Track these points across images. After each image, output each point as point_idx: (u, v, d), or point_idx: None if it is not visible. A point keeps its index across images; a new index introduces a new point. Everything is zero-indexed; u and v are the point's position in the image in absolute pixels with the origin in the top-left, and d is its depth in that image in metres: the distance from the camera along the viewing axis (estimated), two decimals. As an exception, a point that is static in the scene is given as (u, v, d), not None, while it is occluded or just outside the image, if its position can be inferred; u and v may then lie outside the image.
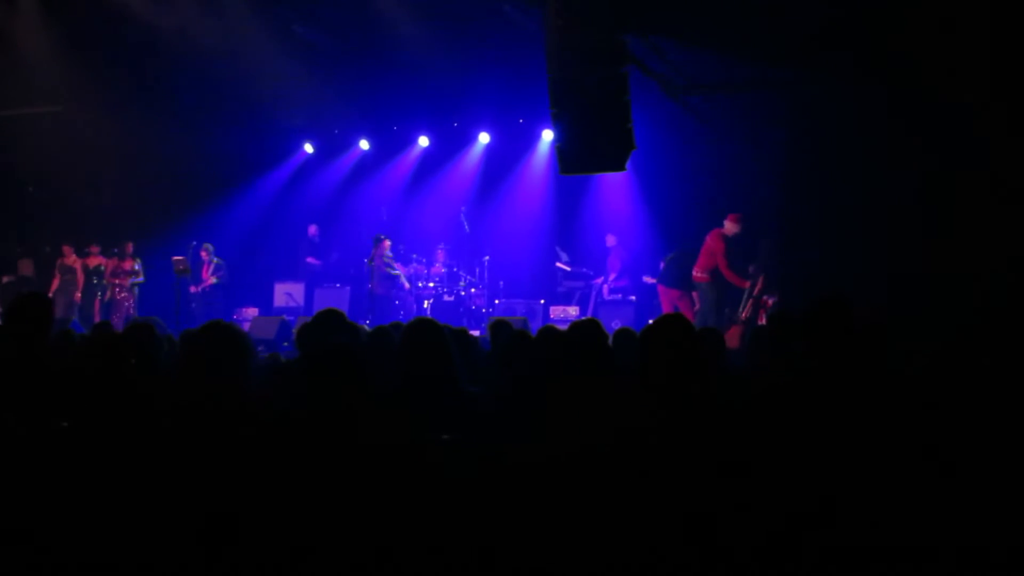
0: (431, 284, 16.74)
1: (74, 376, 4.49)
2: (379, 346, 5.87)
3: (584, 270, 16.50)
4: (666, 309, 14.00)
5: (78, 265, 16.47)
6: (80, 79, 14.82)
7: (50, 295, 16.19)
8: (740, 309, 13.19)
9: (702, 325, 13.23)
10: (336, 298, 17.13)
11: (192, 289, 16.15)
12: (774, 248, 13.43)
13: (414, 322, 4.95)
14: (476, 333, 12.42)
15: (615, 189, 16.28)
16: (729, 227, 13.36)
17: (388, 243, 16.35)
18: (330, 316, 5.85)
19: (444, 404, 4.48)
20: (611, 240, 16.17)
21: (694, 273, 13.55)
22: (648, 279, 15.40)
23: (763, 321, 12.94)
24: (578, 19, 11.10)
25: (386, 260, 16.28)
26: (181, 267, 15.45)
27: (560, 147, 11.62)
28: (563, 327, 10.71)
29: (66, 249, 16.46)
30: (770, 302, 13.16)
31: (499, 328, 7.95)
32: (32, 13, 13.35)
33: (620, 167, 11.66)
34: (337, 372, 4.02)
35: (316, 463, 3.72)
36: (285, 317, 15.19)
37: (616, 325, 14.50)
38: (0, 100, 15.87)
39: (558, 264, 16.64)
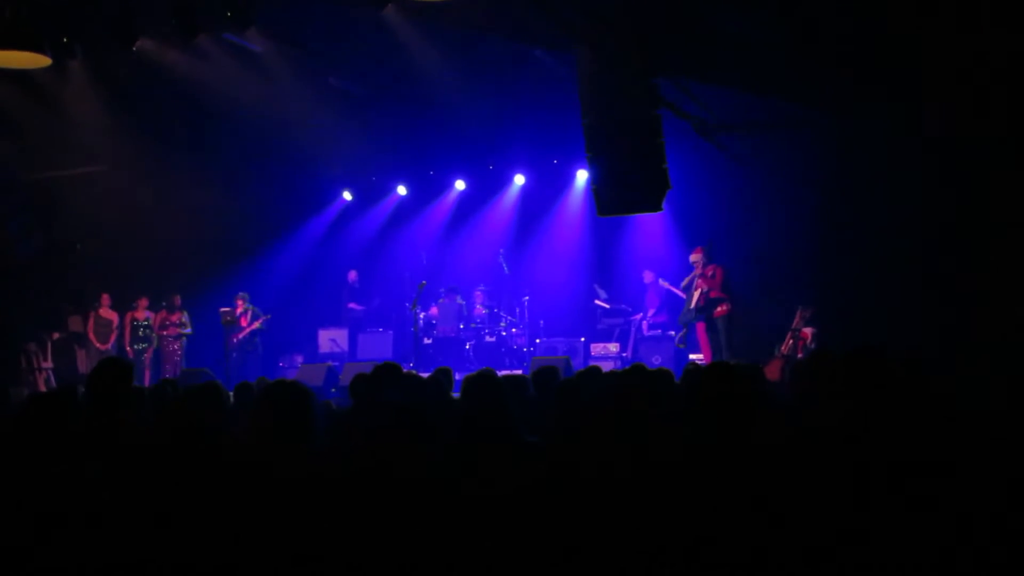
0: (472, 325, 17.00)
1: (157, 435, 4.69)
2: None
3: (623, 306, 16.65)
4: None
5: (114, 316, 16.83)
6: (124, 139, 15.23)
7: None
8: (780, 343, 13.33)
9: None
10: (380, 342, 17.44)
11: (234, 339, 16.41)
12: (812, 282, 13.59)
13: (474, 377, 5.13)
14: (519, 372, 12.66)
15: (651, 226, 16.46)
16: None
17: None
18: (388, 370, 6.06)
19: (504, 454, 4.65)
20: (648, 276, 16.32)
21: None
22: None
23: (801, 354, 13.10)
24: (609, 63, 11.33)
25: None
26: (228, 318, 15.76)
27: (597, 189, 11.80)
28: (606, 365, 10.97)
29: (103, 299, 16.84)
30: (808, 335, 13.30)
31: (546, 375, 8.02)
32: (81, 78, 13.75)
33: (657, 207, 11.84)
34: (399, 431, 4.20)
35: (383, 517, 3.90)
36: (331, 364, 15.44)
37: (657, 361, 14.84)
38: (49, 162, 16.33)
39: (596, 302, 16.80)
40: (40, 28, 10.35)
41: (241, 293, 16.85)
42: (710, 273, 13.99)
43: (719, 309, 13.88)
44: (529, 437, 4.91)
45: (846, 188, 13.06)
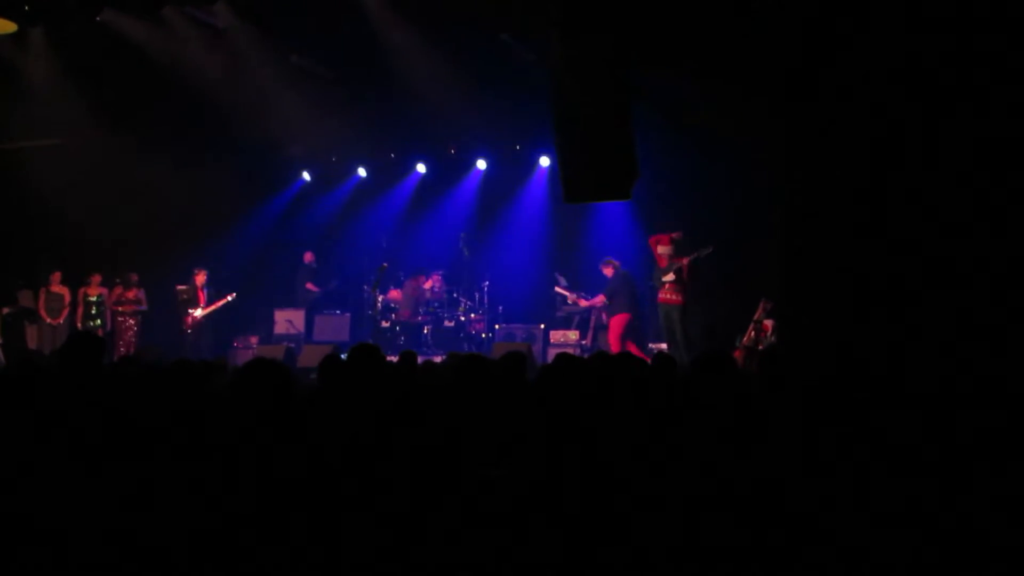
0: (431, 309, 16.91)
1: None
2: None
3: (582, 294, 16.60)
4: None
5: (65, 292, 16.53)
6: (83, 111, 14.92)
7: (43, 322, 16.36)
8: (742, 335, 13.35)
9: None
10: (337, 324, 17.30)
11: (193, 313, 16.19)
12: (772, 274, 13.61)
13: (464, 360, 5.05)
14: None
15: (613, 214, 16.43)
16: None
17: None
18: (367, 353, 5.94)
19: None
20: (608, 270, 16.24)
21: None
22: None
23: (761, 347, 13.14)
24: (581, 49, 11.26)
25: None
26: (184, 296, 15.51)
27: (565, 175, 11.72)
28: (569, 351, 10.91)
29: (54, 275, 16.53)
30: (769, 327, 13.33)
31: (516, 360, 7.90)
32: (41, 47, 13.44)
33: (625, 195, 11.74)
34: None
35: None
36: (290, 345, 15.29)
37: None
38: (5, 133, 15.97)
39: (557, 289, 16.73)
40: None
41: (200, 269, 16.59)
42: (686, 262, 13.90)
43: (681, 297, 13.85)
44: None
45: (811, 179, 13.06)
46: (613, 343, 14.96)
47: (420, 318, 16.82)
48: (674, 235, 14.09)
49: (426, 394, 6.06)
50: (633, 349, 14.31)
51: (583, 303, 16.03)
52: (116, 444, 4.25)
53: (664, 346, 14.34)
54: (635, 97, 11.88)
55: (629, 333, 14.93)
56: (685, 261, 13.78)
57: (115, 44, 13.01)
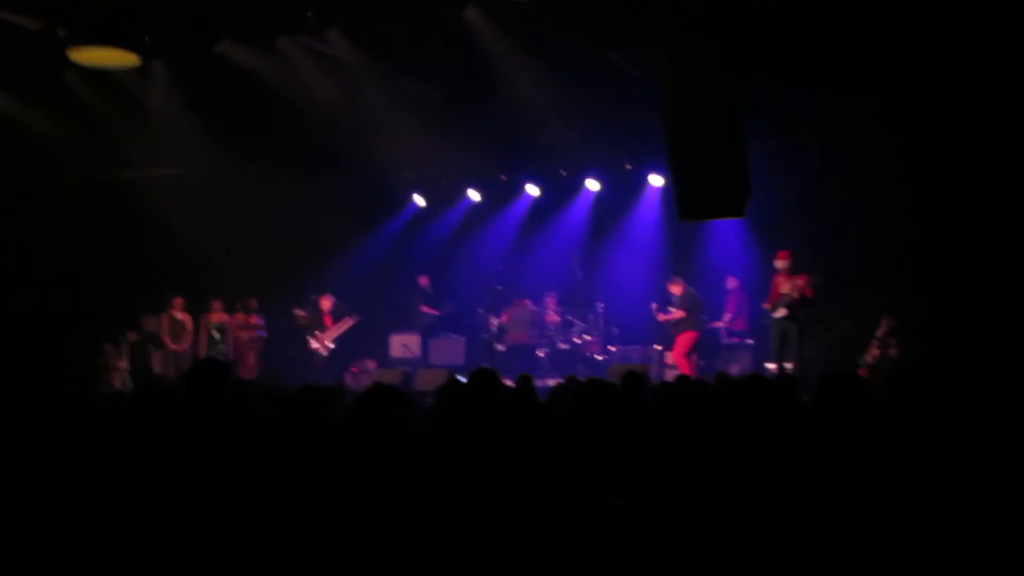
0: (545, 332, 16.88)
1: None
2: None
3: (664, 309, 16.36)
4: None
5: (187, 318, 16.91)
6: (202, 140, 15.25)
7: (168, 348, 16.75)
8: (866, 353, 13.05)
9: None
10: (452, 348, 17.34)
11: (318, 340, 16.43)
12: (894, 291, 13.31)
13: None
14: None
15: (727, 232, 16.19)
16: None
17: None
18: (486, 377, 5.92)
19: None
20: (732, 283, 16.04)
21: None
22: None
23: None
24: (690, 65, 11.16)
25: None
26: (304, 321, 15.74)
27: (678, 194, 11.61)
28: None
29: (175, 301, 16.90)
30: (894, 345, 13.01)
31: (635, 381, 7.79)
32: (162, 79, 13.80)
33: (739, 213, 11.62)
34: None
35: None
36: (406, 369, 15.39)
37: (735, 370, 14.53)
38: (127, 162, 16.44)
39: (670, 308, 16.52)
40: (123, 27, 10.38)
41: (326, 293, 16.83)
42: (801, 283, 13.59)
43: (800, 314, 13.54)
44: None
45: (934, 192, 12.75)
46: (678, 359, 14.98)
47: (535, 340, 16.75)
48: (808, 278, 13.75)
49: (547, 419, 6.00)
50: (689, 366, 14.60)
51: (661, 317, 15.85)
52: (242, 468, 4.29)
53: (773, 366, 14.10)
54: (747, 112, 11.76)
55: (695, 350, 15.07)
56: (801, 283, 13.48)
57: (232, 74, 13.26)
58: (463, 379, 6.03)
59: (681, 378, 8.69)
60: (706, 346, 15.96)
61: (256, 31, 12.27)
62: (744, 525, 3.93)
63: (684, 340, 15.18)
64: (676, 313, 15.52)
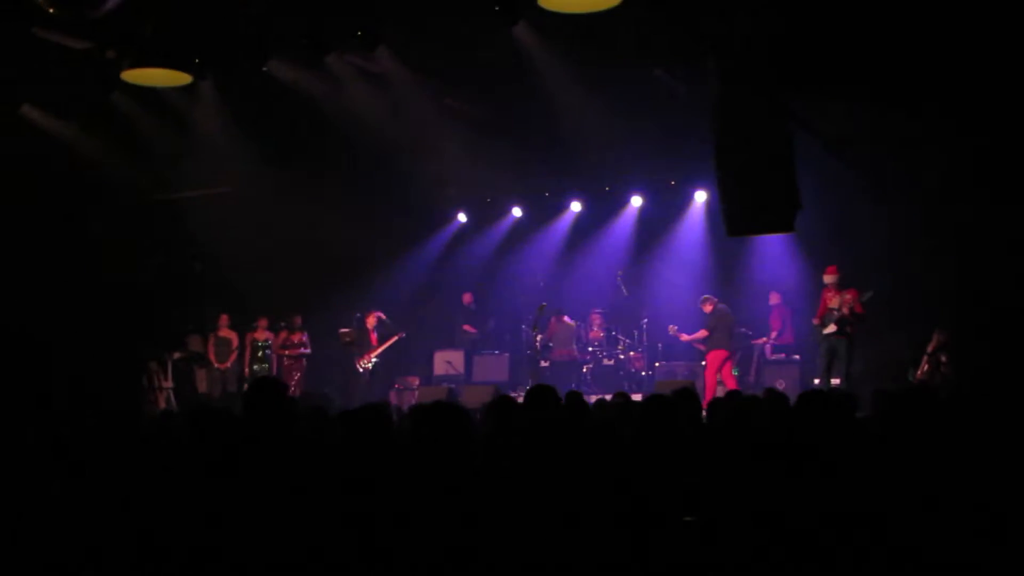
0: (590, 348, 16.83)
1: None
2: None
3: (743, 330, 16.25)
4: None
5: (233, 336, 16.96)
6: (249, 159, 15.33)
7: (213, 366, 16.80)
8: (917, 368, 12.89)
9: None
10: (496, 364, 17.31)
11: (367, 357, 16.47)
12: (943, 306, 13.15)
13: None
14: (638, 397, 12.36)
15: (774, 247, 16.07)
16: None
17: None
18: (543, 394, 5.90)
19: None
20: (775, 298, 15.94)
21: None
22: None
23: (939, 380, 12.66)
24: (740, 80, 11.10)
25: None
26: (348, 339, 15.75)
27: (726, 209, 11.52)
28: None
29: (222, 319, 16.96)
30: (946, 360, 12.85)
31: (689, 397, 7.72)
32: (210, 99, 13.86)
33: (788, 228, 11.53)
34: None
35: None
36: (451, 386, 15.37)
37: (781, 386, 14.41)
38: (175, 182, 16.54)
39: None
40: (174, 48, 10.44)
41: (372, 311, 16.84)
42: (850, 298, 13.43)
43: (849, 329, 13.37)
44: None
45: (985, 207, 12.59)
46: (709, 378, 14.93)
47: (579, 356, 16.69)
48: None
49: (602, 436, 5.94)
50: (730, 382, 14.52)
51: (684, 337, 15.89)
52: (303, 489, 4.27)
53: (819, 381, 13.97)
54: (796, 126, 11.69)
55: (725, 368, 15.00)
56: (850, 297, 13.31)
57: (280, 92, 13.32)
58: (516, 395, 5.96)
59: (731, 394, 8.62)
60: (752, 362, 15.85)
61: (304, 50, 12.28)
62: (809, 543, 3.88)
63: (713, 359, 15.16)
64: (698, 333, 15.63)
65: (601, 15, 10.60)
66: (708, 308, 15.49)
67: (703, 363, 15.78)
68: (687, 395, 7.54)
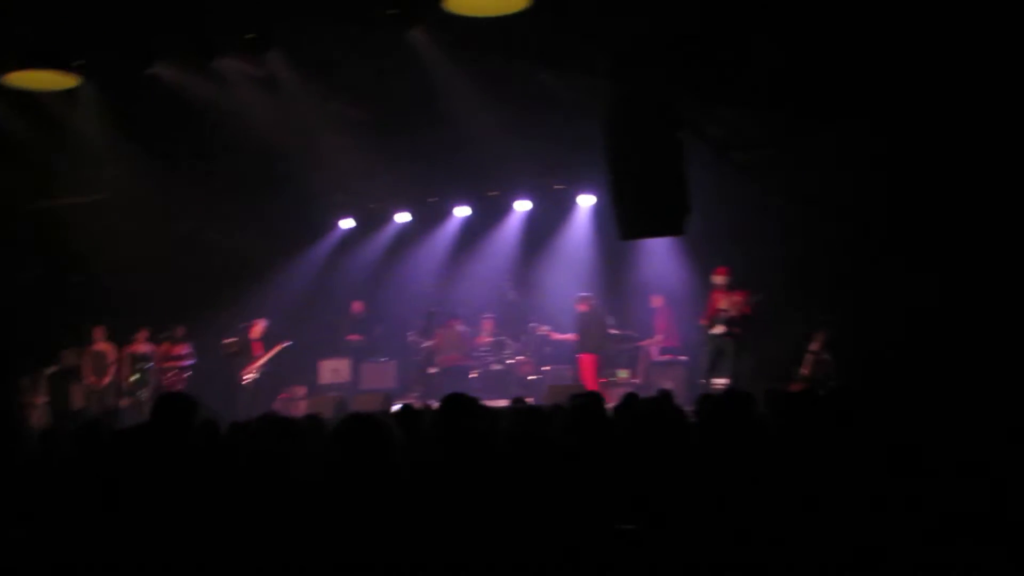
0: (475, 354, 16.77)
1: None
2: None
3: (628, 332, 16.38)
4: None
5: (109, 349, 16.39)
6: (129, 165, 14.90)
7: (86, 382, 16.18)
8: (799, 366, 13.16)
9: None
10: (383, 372, 17.13)
11: (250, 368, 16.12)
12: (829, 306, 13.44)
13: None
14: (531, 400, 12.31)
15: (659, 249, 16.23)
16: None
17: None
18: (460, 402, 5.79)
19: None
20: (657, 301, 16.09)
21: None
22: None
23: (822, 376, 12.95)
24: (632, 86, 11.19)
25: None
26: (233, 349, 15.39)
27: (618, 213, 11.61)
28: (616, 391, 10.65)
29: (96, 332, 16.30)
30: (828, 358, 13.14)
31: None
32: (90, 103, 13.36)
33: (678, 231, 11.69)
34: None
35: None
36: (340, 395, 15.14)
37: (667, 386, 14.50)
38: (50, 190, 15.93)
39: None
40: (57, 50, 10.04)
41: (256, 320, 16.51)
42: (740, 299, 13.61)
43: (737, 330, 13.56)
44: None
45: (865, 210, 12.91)
46: (590, 381, 15.06)
47: (466, 362, 16.60)
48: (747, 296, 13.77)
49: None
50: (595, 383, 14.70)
51: (555, 336, 16.19)
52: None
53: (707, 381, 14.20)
54: (686, 131, 11.82)
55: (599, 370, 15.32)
56: (739, 299, 13.51)
57: (165, 96, 12.92)
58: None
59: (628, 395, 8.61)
60: (640, 363, 15.99)
61: (193, 52, 11.93)
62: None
63: (586, 363, 15.45)
64: (569, 335, 15.92)
65: (499, 18, 10.53)
66: (584, 308, 15.74)
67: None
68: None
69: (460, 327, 16.93)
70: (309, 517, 4.03)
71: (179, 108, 13.30)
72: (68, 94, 12.74)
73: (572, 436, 5.23)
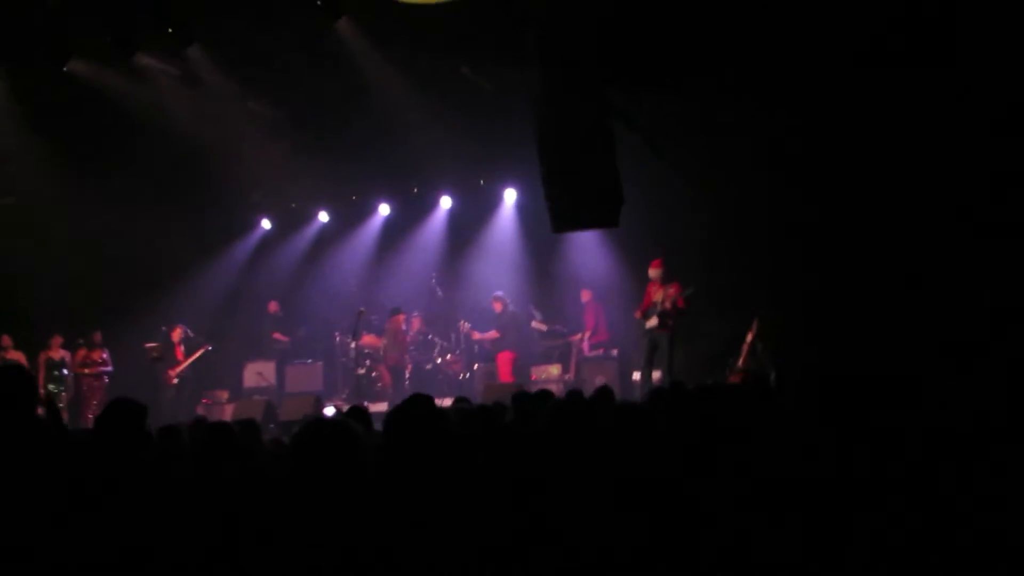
0: (406, 352, 16.48)
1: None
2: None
3: (558, 328, 16.28)
4: None
5: (20, 356, 15.74)
6: (41, 166, 14.38)
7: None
8: (735, 357, 13.12)
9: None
10: (309, 374, 16.79)
11: (170, 374, 15.68)
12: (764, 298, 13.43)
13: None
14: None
15: (586, 244, 16.14)
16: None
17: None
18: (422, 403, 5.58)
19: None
20: (586, 295, 16.00)
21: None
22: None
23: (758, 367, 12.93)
24: (562, 76, 11.04)
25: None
26: (155, 354, 14.96)
27: (551, 206, 11.44)
28: (549, 388, 10.49)
29: (3, 340, 15.51)
30: (761, 349, 13.14)
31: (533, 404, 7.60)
32: (2, 100, 12.87)
33: (613, 222, 11.51)
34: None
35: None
36: (267, 399, 14.79)
37: (600, 381, 14.40)
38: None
39: (533, 324, 16.39)
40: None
41: (177, 324, 16.08)
42: (673, 292, 13.50)
43: (671, 323, 13.48)
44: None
45: (796, 198, 12.94)
46: (503, 378, 15.17)
47: (402, 362, 16.29)
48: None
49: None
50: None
51: (476, 336, 16.22)
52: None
53: (636, 376, 14.18)
54: (616, 121, 11.71)
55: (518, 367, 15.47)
56: (673, 292, 13.40)
57: (78, 93, 12.47)
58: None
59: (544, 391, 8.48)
60: (571, 358, 15.86)
61: (110, 48, 11.50)
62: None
63: (505, 360, 15.49)
64: (489, 334, 15.90)
65: (428, 7, 10.32)
66: (499, 308, 15.79)
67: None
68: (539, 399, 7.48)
69: (398, 324, 16.46)
70: (283, 525, 3.82)
71: (94, 105, 12.87)
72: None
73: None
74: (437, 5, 10.14)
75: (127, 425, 4.70)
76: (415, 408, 5.47)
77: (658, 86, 12.26)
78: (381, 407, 13.13)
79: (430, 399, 5.70)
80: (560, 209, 11.47)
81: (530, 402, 7.70)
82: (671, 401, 6.44)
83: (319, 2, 10.80)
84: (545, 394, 8.02)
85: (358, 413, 7.21)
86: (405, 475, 4.48)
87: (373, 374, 16.16)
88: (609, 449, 4.50)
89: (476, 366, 16.28)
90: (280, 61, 12.53)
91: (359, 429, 4.46)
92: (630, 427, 4.73)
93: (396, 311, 16.40)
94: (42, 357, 15.71)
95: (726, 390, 6.60)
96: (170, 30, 11.21)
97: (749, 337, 13.11)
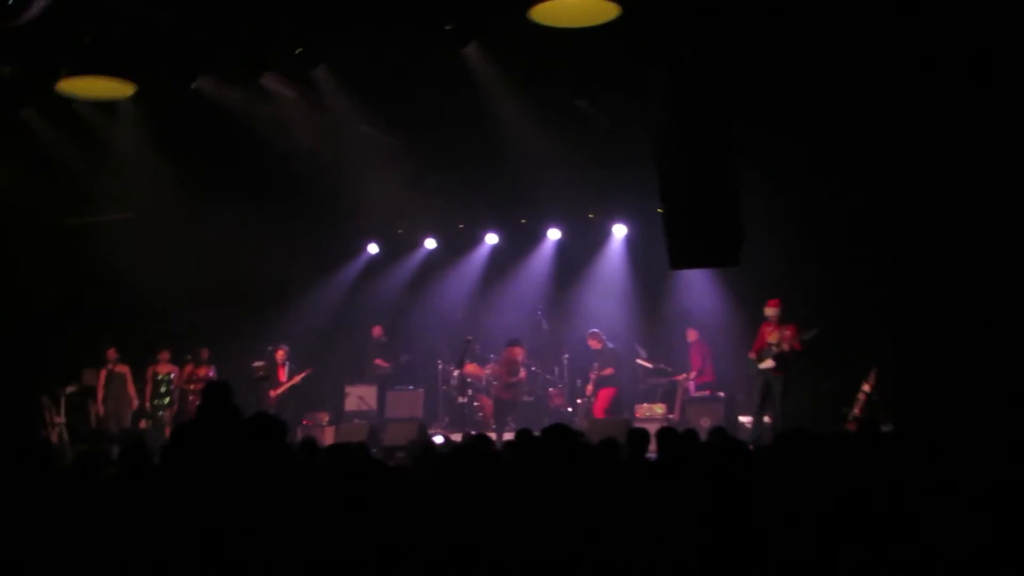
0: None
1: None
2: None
3: (662, 366, 16.02)
4: None
5: (126, 370, 16.01)
6: (162, 183, 14.59)
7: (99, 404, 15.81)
8: (853, 406, 12.76)
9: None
10: (410, 400, 16.73)
11: (271, 394, 15.74)
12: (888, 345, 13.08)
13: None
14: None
15: (694, 282, 15.90)
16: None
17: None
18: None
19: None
20: (692, 335, 15.74)
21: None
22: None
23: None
24: (685, 112, 10.89)
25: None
26: (261, 373, 15.05)
27: (670, 242, 11.25)
28: (651, 427, 10.30)
29: (109, 354, 15.96)
30: (880, 399, 12.79)
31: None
32: (131, 117, 13.05)
33: (733, 261, 11.29)
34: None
35: None
36: (372, 424, 14.77)
37: (706, 424, 14.11)
38: (81, 207, 15.66)
39: (638, 361, 16.16)
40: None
41: (281, 345, 16.20)
42: (790, 335, 13.18)
43: (790, 367, 13.12)
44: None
45: (923, 245, 12.59)
46: (599, 415, 14.98)
47: (510, 392, 16.02)
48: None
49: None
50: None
51: (593, 375, 15.77)
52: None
53: (748, 419, 13.85)
54: (740, 159, 11.51)
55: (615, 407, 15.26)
56: (790, 333, 13.06)
57: (202, 112, 12.61)
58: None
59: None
60: (677, 399, 15.57)
61: (241, 67, 11.60)
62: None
63: (605, 396, 15.34)
64: (607, 370, 15.56)
65: (560, 31, 10.17)
66: (597, 345, 15.63)
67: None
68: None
69: (520, 356, 15.90)
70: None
71: (217, 124, 13.00)
72: (107, 108, 12.43)
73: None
74: (570, 30, 10.01)
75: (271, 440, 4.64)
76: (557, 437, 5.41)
77: (785, 124, 12.04)
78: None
79: (567, 428, 5.62)
80: (679, 246, 11.29)
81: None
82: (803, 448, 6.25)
83: (448, 27, 10.75)
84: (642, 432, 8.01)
85: (484, 440, 7.13)
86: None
87: (475, 403, 16.00)
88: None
89: (579, 401, 16.04)
90: (401, 85, 12.48)
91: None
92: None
93: (515, 342, 15.80)
94: (150, 371, 15.97)
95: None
96: (298, 50, 11.25)
97: (866, 387, 12.74)
